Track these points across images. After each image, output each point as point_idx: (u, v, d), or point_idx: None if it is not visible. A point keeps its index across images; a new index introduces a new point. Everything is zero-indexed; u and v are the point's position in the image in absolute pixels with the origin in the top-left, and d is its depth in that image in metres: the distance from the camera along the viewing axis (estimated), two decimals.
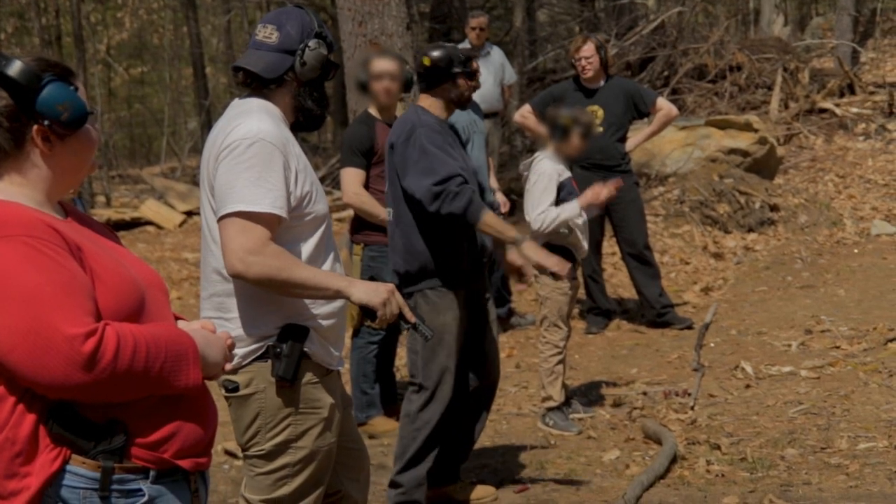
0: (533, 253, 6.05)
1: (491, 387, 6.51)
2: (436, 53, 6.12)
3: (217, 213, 4.11)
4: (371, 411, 8.10)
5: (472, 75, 6.17)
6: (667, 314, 10.31)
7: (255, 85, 4.30)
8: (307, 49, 4.23)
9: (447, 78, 6.12)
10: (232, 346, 3.15)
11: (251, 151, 4.05)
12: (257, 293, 4.13)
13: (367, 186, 7.79)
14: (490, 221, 5.86)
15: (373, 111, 7.93)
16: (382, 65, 7.88)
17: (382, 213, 7.46)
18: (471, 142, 9.08)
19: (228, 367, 3.11)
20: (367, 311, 4.17)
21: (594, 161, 9.89)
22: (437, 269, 6.06)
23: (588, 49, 9.93)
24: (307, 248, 4.21)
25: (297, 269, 4.05)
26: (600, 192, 7.52)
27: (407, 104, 10.06)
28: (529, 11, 19.73)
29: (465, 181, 5.85)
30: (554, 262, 6.16)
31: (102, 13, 32.56)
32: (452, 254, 6.08)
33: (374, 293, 4.15)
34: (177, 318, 3.19)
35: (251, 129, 4.09)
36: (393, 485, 6.26)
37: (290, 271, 4.03)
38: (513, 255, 6.27)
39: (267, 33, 4.26)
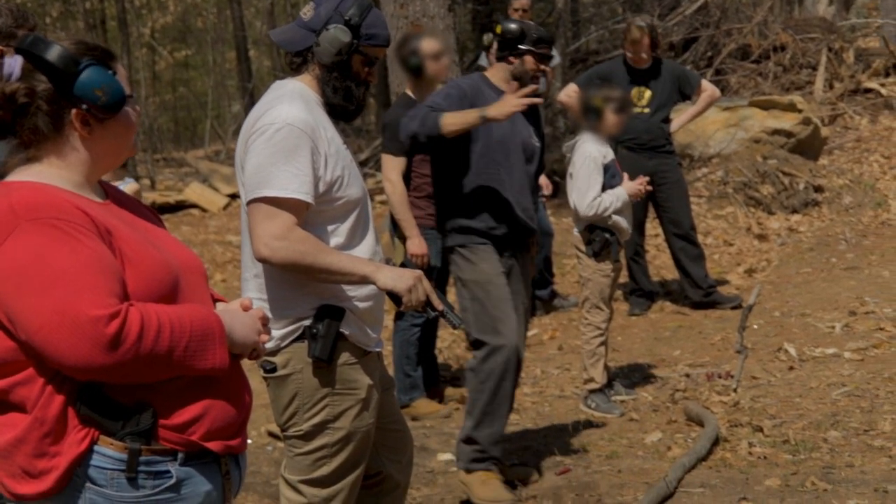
0: (500, 108, 5.83)
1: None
2: (509, 25, 6.25)
3: (245, 197, 4.15)
4: (414, 393, 8.13)
5: (543, 58, 6.24)
6: (713, 293, 10.28)
7: (291, 65, 4.34)
8: (325, 31, 4.24)
9: (513, 51, 6.23)
10: (266, 321, 3.15)
11: (278, 136, 4.08)
12: (297, 278, 4.15)
13: (409, 171, 7.80)
14: (449, 121, 5.88)
15: (410, 92, 7.90)
16: (438, 43, 7.84)
17: (406, 212, 7.52)
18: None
19: (263, 339, 3.12)
20: (393, 297, 4.18)
21: (639, 141, 9.92)
22: (467, 226, 6.19)
23: (646, 41, 9.90)
24: (340, 231, 4.23)
25: (322, 254, 4.07)
26: (640, 186, 7.50)
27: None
28: None
29: (429, 108, 5.96)
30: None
31: None
32: (486, 213, 6.18)
33: (399, 279, 4.15)
34: (217, 301, 3.21)
35: (280, 113, 4.12)
36: (467, 441, 6.27)
37: (314, 256, 4.05)
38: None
39: (306, 10, 4.32)
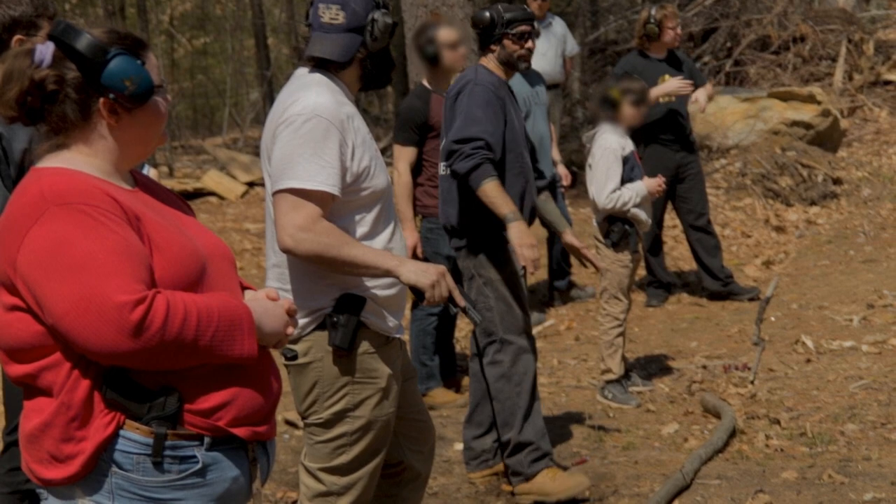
0: (521, 236, 5.78)
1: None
2: (480, 15, 6.18)
3: (271, 188, 4.15)
4: (430, 383, 8.14)
5: (521, 36, 6.15)
6: (731, 284, 10.27)
7: (335, 67, 4.31)
8: (375, 24, 4.25)
9: (492, 39, 6.15)
10: (293, 313, 3.16)
11: (307, 127, 4.08)
12: (318, 268, 4.16)
13: (421, 161, 7.84)
14: (488, 191, 5.76)
15: (426, 83, 7.93)
16: (454, 33, 7.86)
17: (405, 204, 7.53)
18: (532, 113, 9.07)
19: (289, 331, 3.13)
20: (415, 292, 4.18)
21: (672, 135, 9.94)
22: (492, 223, 5.99)
23: (677, 19, 9.96)
24: (365, 222, 4.23)
25: (346, 247, 4.07)
26: (659, 186, 7.51)
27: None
28: None
29: (486, 147, 5.82)
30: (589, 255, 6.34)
31: None
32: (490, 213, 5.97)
33: (423, 274, 4.15)
34: (245, 288, 3.23)
35: (308, 104, 4.11)
36: (517, 449, 6.08)
37: (339, 249, 4.05)
38: (568, 237, 6.29)
39: (332, 14, 4.25)
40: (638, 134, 7.96)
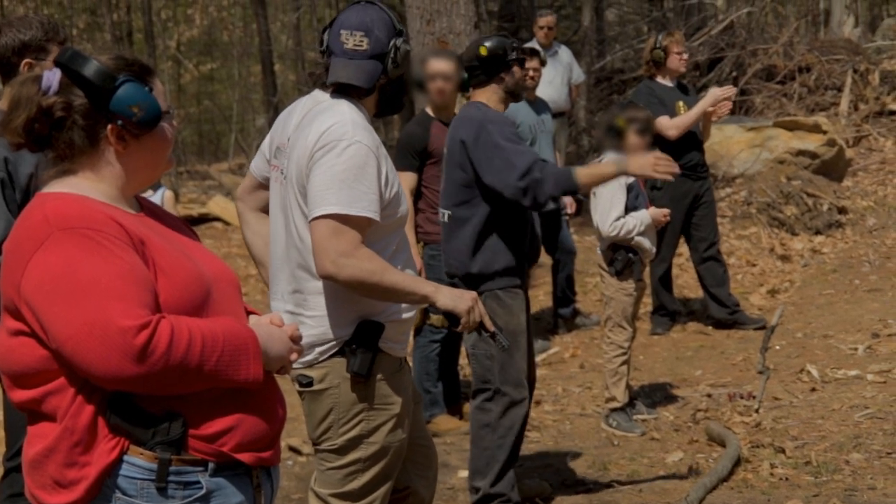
0: (642, 162, 5.73)
1: (532, 386, 6.37)
2: (491, 43, 6.01)
3: (309, 214, 4.15)
4: (434, 410, 8.12)
5: (524, 62, 6.11)
6: (738, 313, 10.25)
7: (357, 93, 4.32)
8: (397, 51, 4.27)
9: (503, 67, 6.01)
10: (297, 339, 3.15)
11: (347, 153, 4.09)
12: (342, 294, 4.17)
13: (421, 187, 7.85)
14: (585, 177, 5.66)
15: (429, 110, 7.95)
16: (437, 65, 7.86)
17: (407, 234, 7.50)
18: (537, 141, 9.07)
19: (293, 357, 3.11)
20: (450, 317, 4.22)
21: (694, 163, 9.91)
22: (506, 268, 5.95)
23: (683, 45, 10.01)
24: (392, 247, 4.27)
25: (387, 273, 4.10)
26: (663, 217, 7.53)
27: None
28: (598, 11, 19.73)
29: (537, 162, 5.69)
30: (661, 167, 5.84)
31: (173, 9, 32.80)
32: (519, 252, 5.99)
33: (459, 300, 4.21)
34: (250, 313, 3.22)
35: (346, 129, 4.13)
36: (488, 498, 6.04)
37: (381, 275, 4.07)
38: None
39: (357, 41, 4.26)
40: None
